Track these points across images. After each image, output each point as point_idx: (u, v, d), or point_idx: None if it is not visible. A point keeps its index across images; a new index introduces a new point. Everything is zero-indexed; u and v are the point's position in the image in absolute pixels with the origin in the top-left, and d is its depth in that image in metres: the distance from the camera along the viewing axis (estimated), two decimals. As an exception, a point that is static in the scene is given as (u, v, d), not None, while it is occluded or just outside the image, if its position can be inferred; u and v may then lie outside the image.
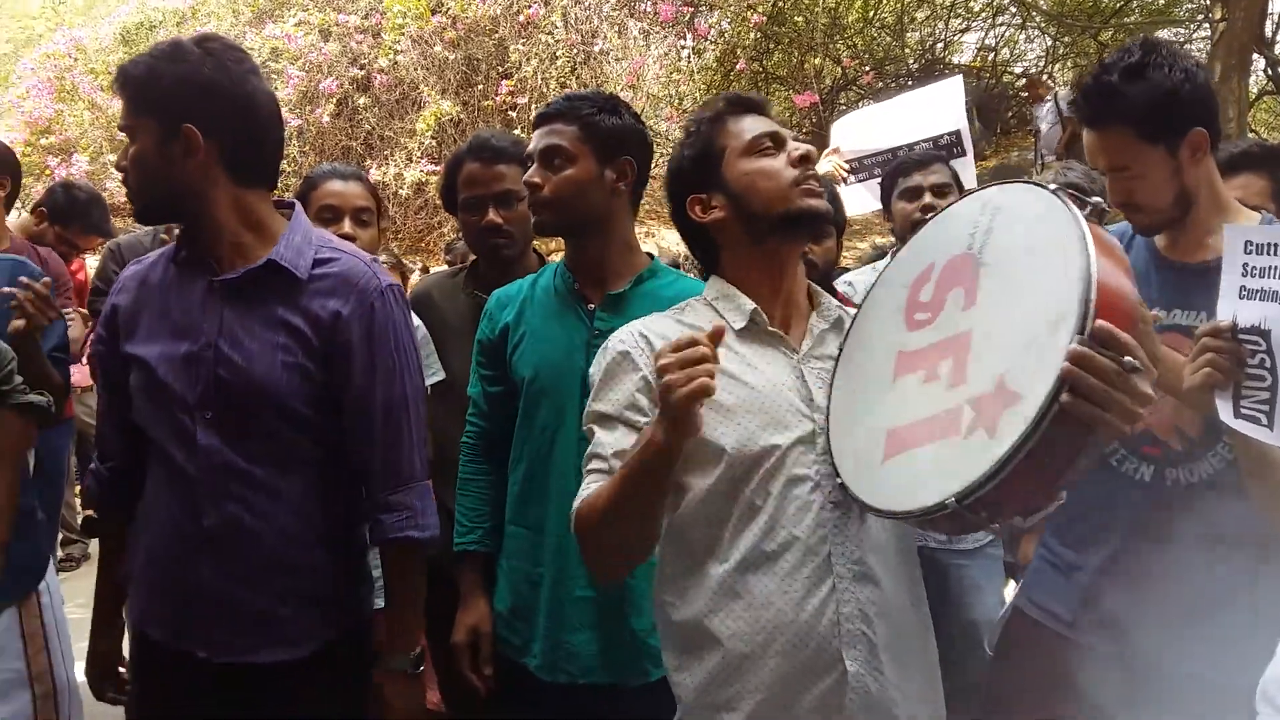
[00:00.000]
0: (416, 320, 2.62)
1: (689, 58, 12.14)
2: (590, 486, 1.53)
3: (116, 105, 9.61)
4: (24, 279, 2.34)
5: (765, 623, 1.49)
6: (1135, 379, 1.18)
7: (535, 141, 2.06)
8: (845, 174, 4.21)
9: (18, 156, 10.48)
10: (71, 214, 4.01)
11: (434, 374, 2.57)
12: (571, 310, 2.10)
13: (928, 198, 3.24)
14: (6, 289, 2.35)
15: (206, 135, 1.69)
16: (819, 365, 1.62)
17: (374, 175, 10.69)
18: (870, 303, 1.62)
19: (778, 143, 1.66)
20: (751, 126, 1.67)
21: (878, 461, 1.42)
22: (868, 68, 13.10)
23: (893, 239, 3.39)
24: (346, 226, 2.50)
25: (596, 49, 11.40)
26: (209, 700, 1.78)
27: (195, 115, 1.69)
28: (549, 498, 2.02)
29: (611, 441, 1.55)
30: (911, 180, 3.32)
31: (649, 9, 11.70)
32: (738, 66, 12.50)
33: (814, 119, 12.76)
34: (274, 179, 1.86)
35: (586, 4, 11.40)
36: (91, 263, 5.59)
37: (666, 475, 1.41)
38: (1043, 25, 13.85)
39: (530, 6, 10.62)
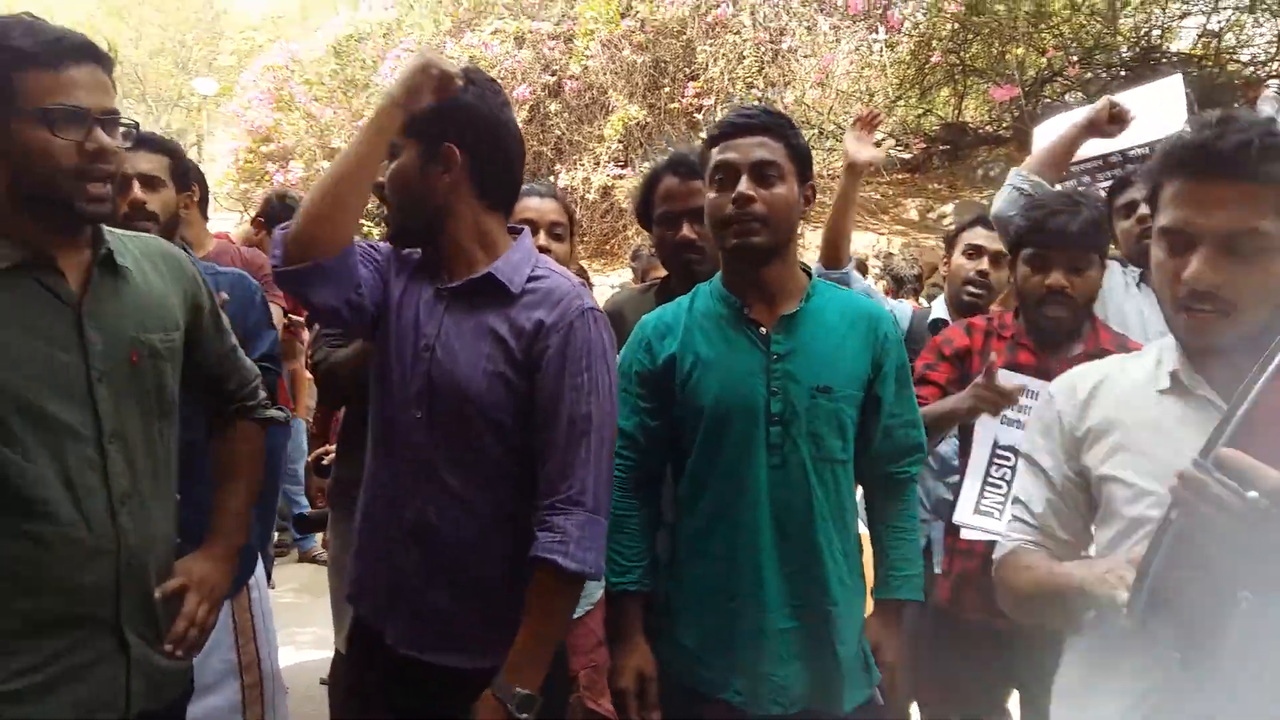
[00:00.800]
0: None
1: (881, 51, 11.75)
2: (1015, 538, 1.66)
3: (329, 114, 10.22)
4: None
5: None
6: None
7: (738, 153, 1.96)
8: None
9: (240, 162, 11.21)
10: (285, 221, 4.23)
11: None
12: (744, 335, 2.02)
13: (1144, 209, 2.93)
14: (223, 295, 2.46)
15: (463, 154, 1.80)
16: None
17: (562, 180, 10.91)
18: None
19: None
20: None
21: None
22: (1075, 58, 12.29)
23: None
24: (541, 239, 2.51)
25: (785, 46, 11.22)
26: (392, 687, 1.85)
27: (455, 135, 1.79)
28: (740, 528, 1.95)
29: (1038, 496, 1.63)
30: (1127, 195, 3.01)
31: (839, 2, 11.42)
32: (932, 59, 12.00)
33: (1014, 113, 12.10)
34: (512, 204, 1.96)
35: (774, 1, 11.22)
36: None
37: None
38: (1274, 7, 12.62)
39: (718, 6, 10.55)
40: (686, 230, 2.49)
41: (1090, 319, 2.52)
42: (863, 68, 12.05)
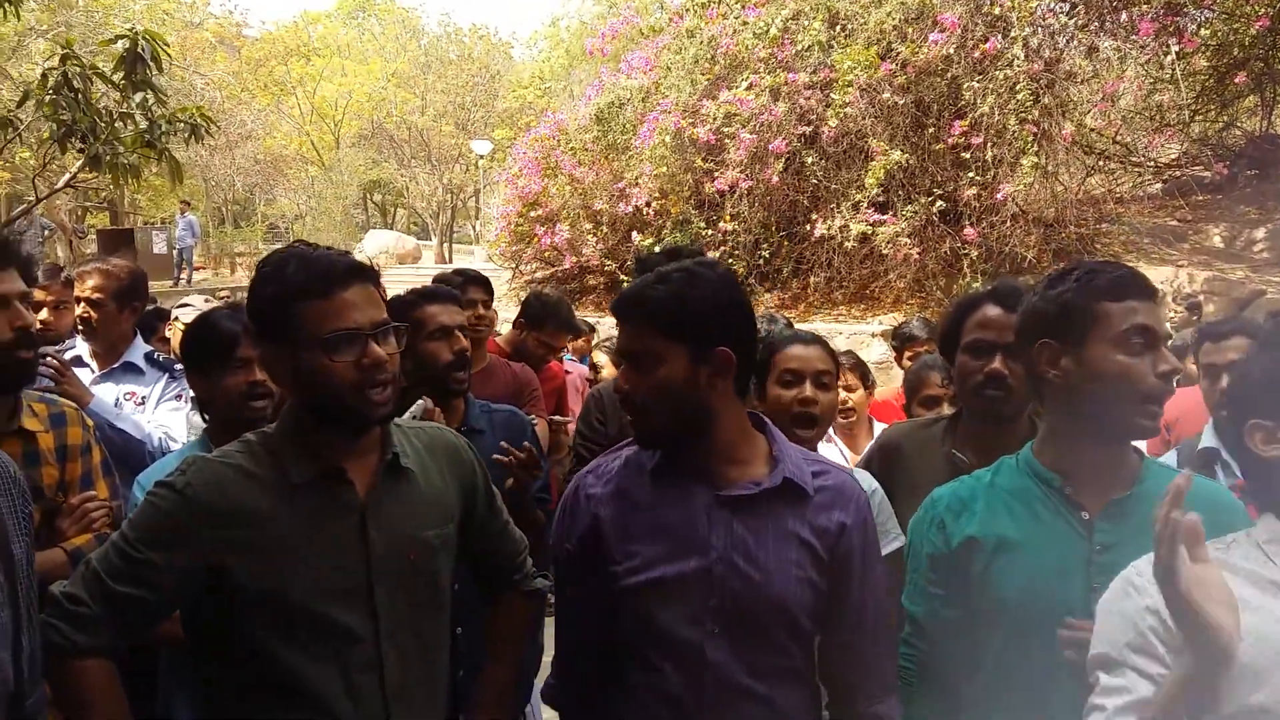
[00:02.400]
0: (873, 483, 2.39)
1: (1172, 65, 10.69)
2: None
3: (591, 177, 10.61)
4: (505, 444, 2.55)
5: None
6: None
7: (1155, 321, 1.70)
8: None
9: (512, 225, 11.83)
10: (544, 317, 4.35)
11: (893, 540, 2.30)
12: (1062, 519, 1.74)
13: None
14: (502, 446, 2.53)
15: (735, 356, 1.72)
16: None
17: (819, 229, 10.69)
18: None
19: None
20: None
21: None
22: None
23: None
24: (807, 390, 2.35)
25: (1061, 74, 10.45)
26: None
27: (727, 337, 1.71)
28: None
29: (1128, 686, 1.34)
30: None
31: (1126, 21, 10.50)
32: (1237, 79, 10.78)
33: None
34: (748, 389, 1.89)
35: (1050, 29, 10.49)
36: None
37: None
38: None
39: (986, 41, 9.98)
40: (999, 364, 2.24)
41: None
42: (1153, 84, 11.03)
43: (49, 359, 2.94)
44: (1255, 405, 1.42)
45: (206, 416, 2.48)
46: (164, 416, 3.22)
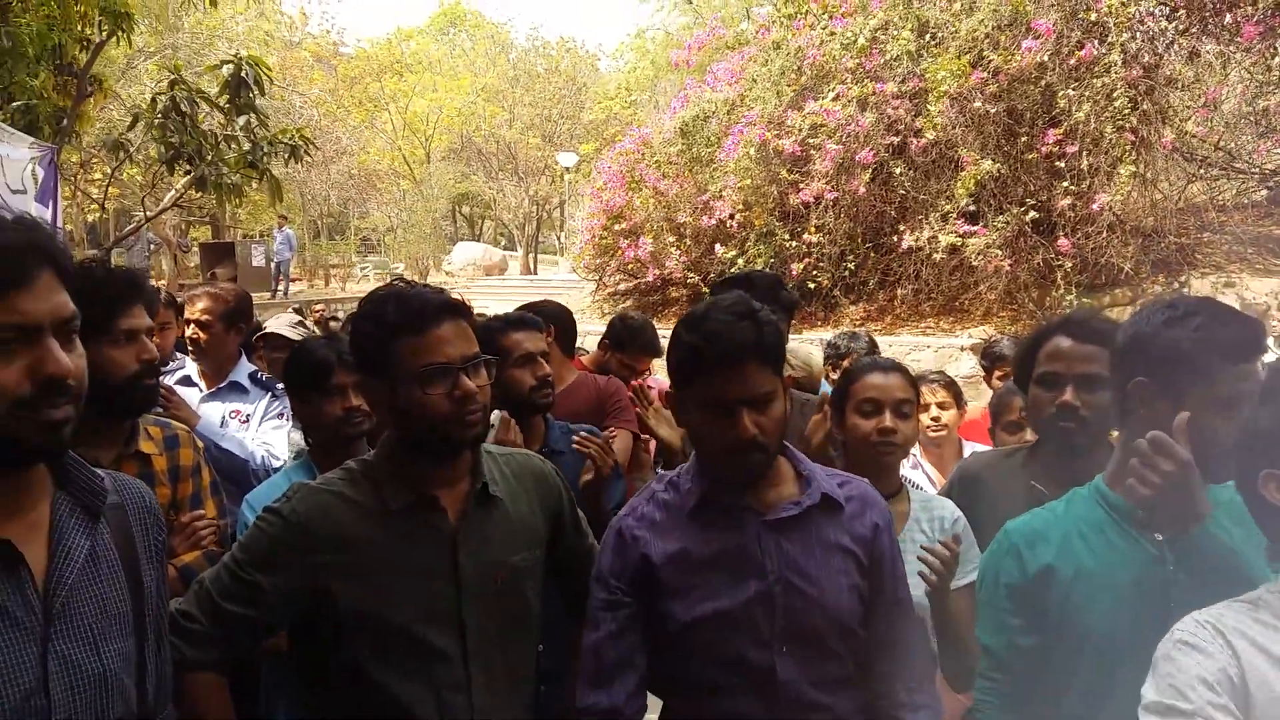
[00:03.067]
0: (958, 511, 2.36)
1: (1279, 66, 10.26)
2: None
3: (675, 189, 10.65)
4: (581, 434, 2.65)
5: None
6: None
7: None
8: None
9: (596, 238, 11.98)
10: (627, 340, 4.40)
11: (974, 570, 2.27)
12: (1135, 544, 1.74)
13: None
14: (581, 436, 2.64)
15: None
16: None
17: (906, 240, 10.54)
18: None
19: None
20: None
21: None
22: None
23: None
24: (887, 420, 2.33)
25: (1160, 80, 10.12)
26: None
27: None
28: None
29: None
30: None
31: (1229, 24, 10.12)
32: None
33: None
34: None
35: (1150, 33, 10.18)
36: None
37: None
38: None
39: (1082, 47, 9.73)
40: (1070, 396, 2.22)
41: None
42: (1258, 90, 10.59)
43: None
44: (1265, 455, 1.40)
45: (309, 440, 2.59)
46: (267, 434, 3.35)
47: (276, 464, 3.21)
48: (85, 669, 1.29)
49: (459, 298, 1.88)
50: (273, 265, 23.33)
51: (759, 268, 10.86)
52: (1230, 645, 1.37)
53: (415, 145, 34.28)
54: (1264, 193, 12.27)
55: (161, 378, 3.40)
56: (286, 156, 8.15)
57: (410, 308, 1.75)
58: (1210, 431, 1.64)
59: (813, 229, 11.19)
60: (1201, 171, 11.56)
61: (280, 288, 22.94)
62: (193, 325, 3.46)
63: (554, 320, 3.70)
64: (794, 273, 11.06)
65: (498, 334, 2.78)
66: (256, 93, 7.66)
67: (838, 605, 1.76)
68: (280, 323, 4.55)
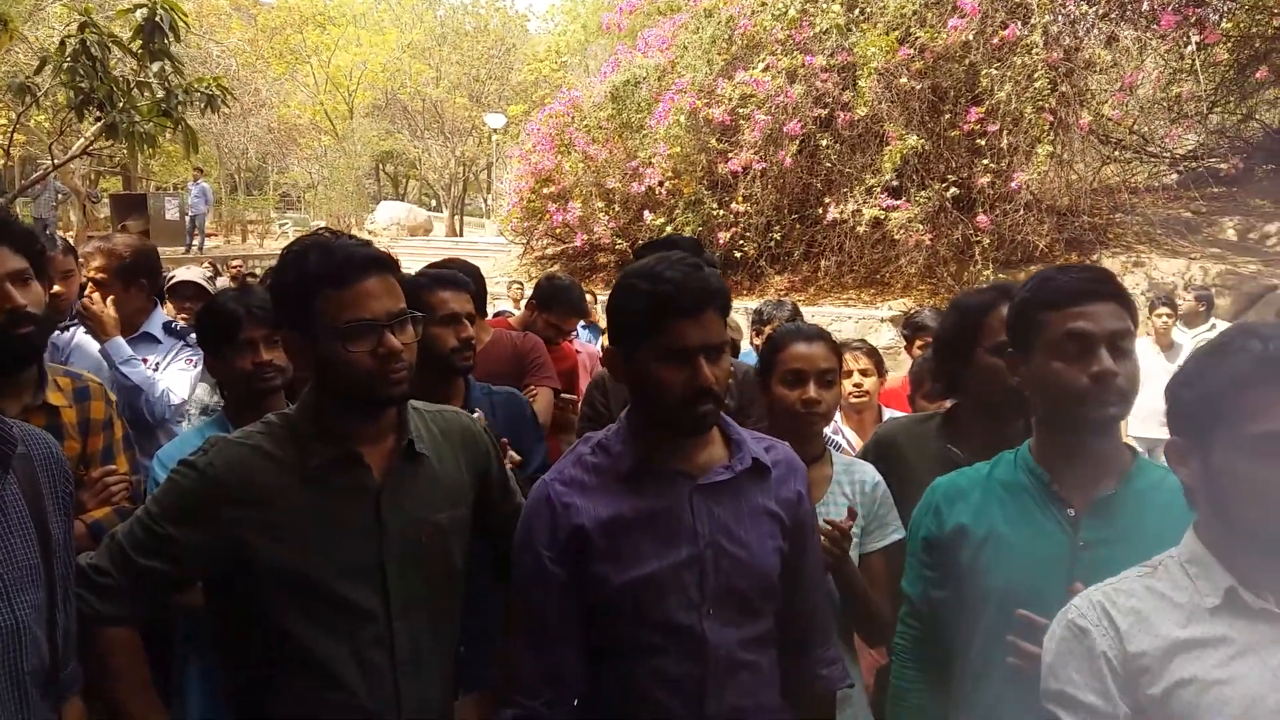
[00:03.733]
0: (877, 475, 2.42)
1: (1193, 56, 10.62)
2: None
3: (605, 155, 10.58)
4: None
5: None
6: None
7: (1093, 323, 1.76)
8: None
9: (524, 201, 11.81)
10: (554, 300, 4.40)
11: (893, 532, 2.35)
12: (1048, 514, 1.81)
13: None
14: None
15: None
16: None
17: (831, 213, 10.68)
18: None
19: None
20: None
21: None
22: None
23: None
24: (811, 390, 2.36)
25: (1080, 63, 10.39)
26: None
27: None
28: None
29: None
30: None
31: (1147, 11, 10.42)
32: (1259, 72, 10.69)
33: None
34: None
35: (1071, 16, 10.42)
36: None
37: None
38: None
39: (1006, 27, 9.92)
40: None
41: None
42: (1173, 74, 10.95)
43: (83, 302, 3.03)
44: (1174, 424, 1.50)
45: (223, 394, 2.53)
46: (169, 375, 3.26)
47: (174, 400, 3.16)
48: None
49: (386, 251, 1.82)
50: (187, 219, 22.56)
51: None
52: (1115, 625, 1.43)
53: (338, 100, 33.43)
54: (1174, 176, 12.73)
55: (67, 328, 3.31)
56: (203, 106, 7.85)
57: (333, 259, 1.69)
58: (1054, 373, 1.76)
59: (740, 199, 11.25)
60: (1116, 154, 11.95)
61: (195, 242, 22.22)
62: (89, 284, 3.32)
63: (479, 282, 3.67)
64: (721, 241, 11.12)
65: (424, 290, 2.73)
66: (171, 38, 7.34)
67: (764, 567, 1.79)
68: (191, 272, 4.42)
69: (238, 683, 1.82)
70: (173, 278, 4.47)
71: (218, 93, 7.96)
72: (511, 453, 2.61)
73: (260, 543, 1.69)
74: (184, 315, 4.08)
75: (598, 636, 1.80)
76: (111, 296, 3.22)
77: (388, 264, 1.76)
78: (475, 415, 2.56)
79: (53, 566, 1.38)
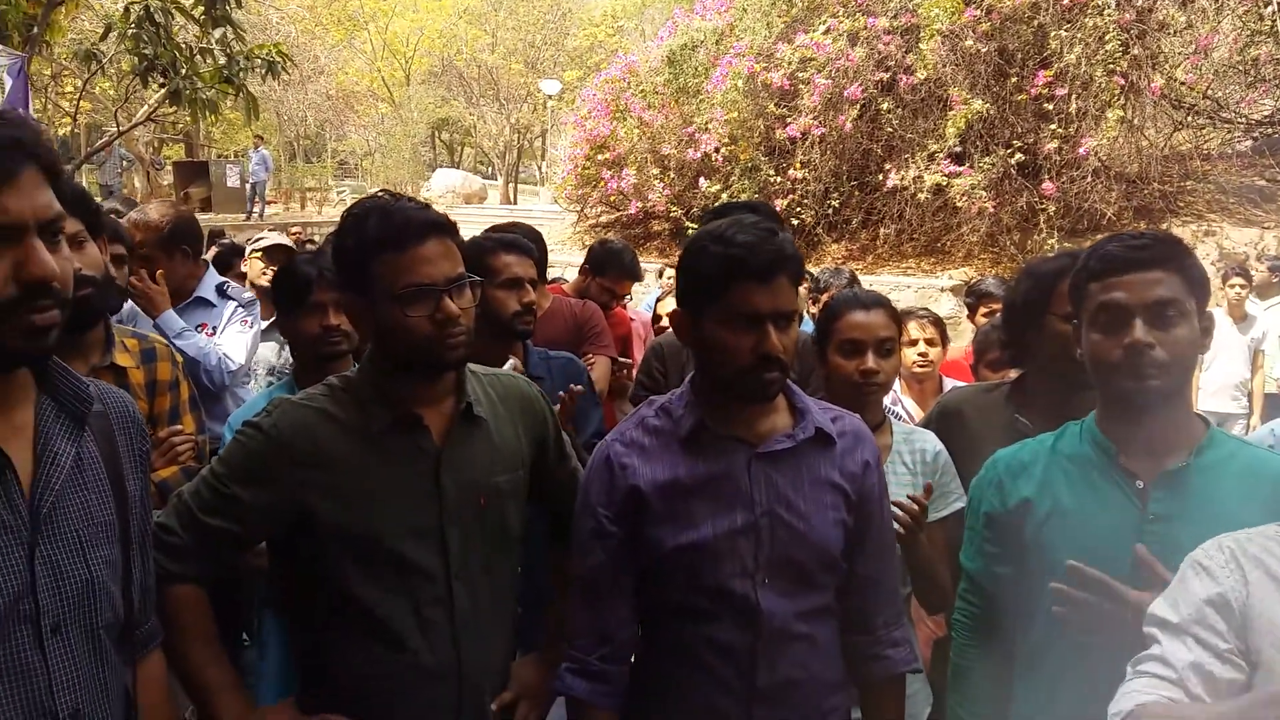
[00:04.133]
0: (939, 443, 2.37)
1: (1272, 17, 10.20)
2: (1151, 694, 1.35)
3: (661, 120, 10.48)
4: (564, 394, 2.59)
5: None
6: None
7: (1130, 292, 1.70)
8: None
9: (579, 168, 11.77)
10: (607, 264, 4.38)
11: (955, 500, 2.31)
12: (1116, 486, 1.75)
13: None
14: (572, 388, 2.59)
15: None
16: None
17: (891, 179, 10.49)
18: None
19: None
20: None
21: None
22: None
23: None
24: (869, 361, 2.30)
25: (1153, 25, 10.03)
26: None
27: None
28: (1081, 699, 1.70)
29: (1182, 653, 1.36)
30: None
31: (1223, -32, 10.02)
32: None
33: None
34: None
35: (1144, -24, 10.06)
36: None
37: None
38: None
39: (1077, -12, 9.61)
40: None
41: None
42: (1249, 39, 10.52)
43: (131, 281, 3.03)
44: None
45: (295, 355, 2.57)
46: (226, 339, 3.30)
47: (232, 366, 3.20)
48: (72, 575, 1.28)
49: (445, 214, 1.80)
50: (248, 186, 22.90)
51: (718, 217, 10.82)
52: (1242, 571, 1.38)
53: (395, 67, 33.55)
54: (1249, 143, 12.26)
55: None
56: (264, 73, 7.96)
57: (392, 223, 1.69)
58: (1093, 345, 1.74)
59: (798, 165, 11.10)
60: (1188, 119, 11.52)
61: (255, 209, 22.56)
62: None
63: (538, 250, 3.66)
64: (778, 209, 10.99)
65: (487, 253, 2.73)
66: (233, 4, 7.44)
67: (824, 540, 1.76)
68: (281, 236, 4.47)
69: (303, 644, 1.86)
70: (260, 239, 4.52)
71: (278, 59, 8.04)
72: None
73: (323, 504, 1.71)
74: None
75: (649, 600, 1.81)
76: (159, 270, 3.25)
77: (447, 227, 1.75)
78: (590, 360, 2.57)
79: (129, 523, 1.40)
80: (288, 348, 3.38)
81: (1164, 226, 10.24)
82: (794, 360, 1.75)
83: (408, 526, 1.75)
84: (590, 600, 1.80)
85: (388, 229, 1.69)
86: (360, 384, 1.80)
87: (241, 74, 7.72)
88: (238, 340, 3.32)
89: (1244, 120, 12.01)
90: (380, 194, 1.79)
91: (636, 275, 4.69)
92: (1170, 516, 1.68)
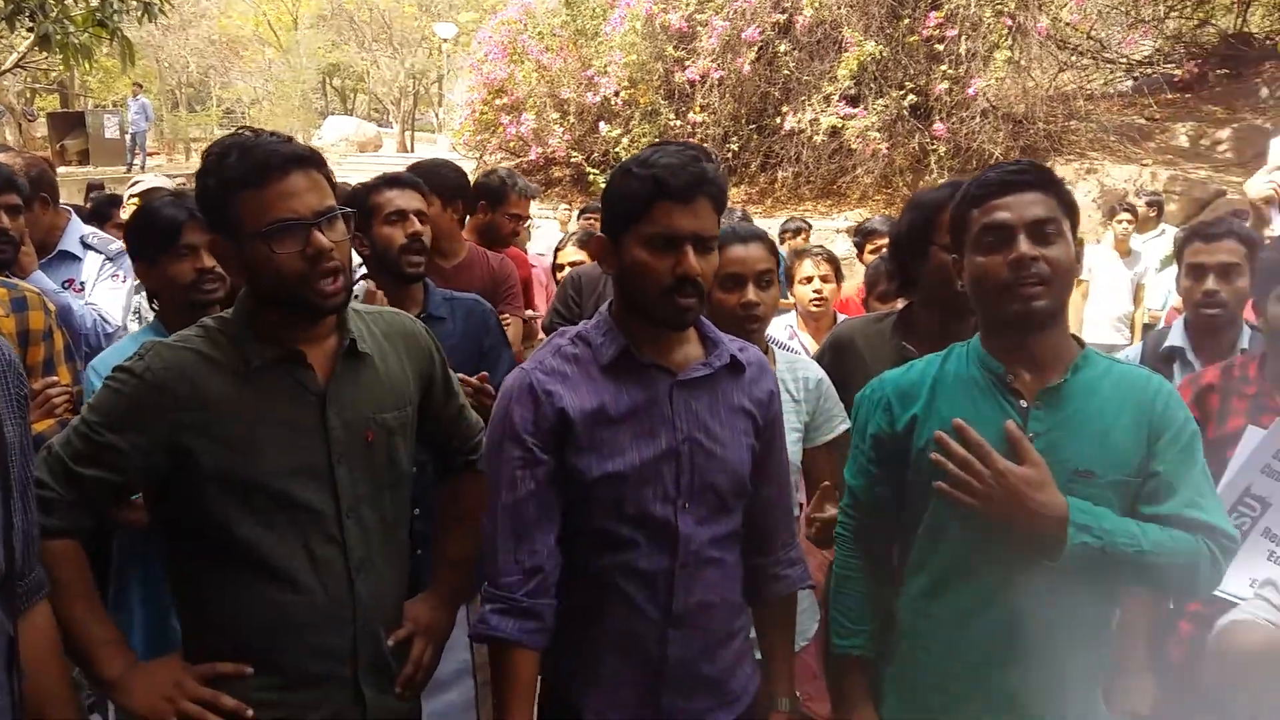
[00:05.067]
0: (820, 371, 2.44)
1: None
2: (1252, 614, 1.48)
3: (559, 64, 10.33)
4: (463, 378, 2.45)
5: None
6: None
7: (1012, 211, 1.77)
8: None
9: (476, 114, 11.49)
10: (503, 192, 4.24)
11: (840, 423, 2.41)
12: (999, 405, 1.81)
13: None
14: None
15: None
16: None
17: (788, 123, 10.58)
18: None
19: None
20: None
21: None
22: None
23: None
24: (750, 293, 2.33)
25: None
26: None
27: None
28: (971, 630, 1.81)
29: None
30: None
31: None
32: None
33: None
34: None
35: (1030, -83, 10.27)
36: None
37: None
38: None
39: (965, -72, 9.75)
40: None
41: None
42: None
43: None
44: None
45: (155, 306, 2.44)
46: (99, 296, 3.13)
47: (109, 328, 3.03)
48: None
49: (310, 147, 1.74)
50: (127, 137, 21.83)
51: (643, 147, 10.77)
52: None
53: (281, 10, 32.23)
54: (1129, 83, 12.73)
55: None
56: (139, 15, 7.56)
57: (253, 159, 1.62)
58: (978, 267, 1.80)
59: (698, 108, 11.09)
60: (1073, 60, 11.89)
61: (136, 161, 21.53)
62: None
63: (453, 190, 3.54)
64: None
65: (370, 193, 2.66)
66: (102, -59, 7.02)
67: (739, 465, 1.82)
68: (158, 179, 4.26)
69: (187, 595, 1.80)
70: (137, 183, 4.29)
71: (155, 0, 7.64)
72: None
73: (203, 446, 1.65)
74: None
75: (568, 530, 1.80)
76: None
77: (312, 159, 1.69)
78: (505, 319, 2.49)
79: (8, 470, 1.34)
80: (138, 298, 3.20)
81: (1049, 165, 10.58)
82: (711, 288, 1.77)
83: (295, 466, 1.71)
84: (517, 533, 1.75)
85: (248, 165, 1.62)
86: (237, 324, 1.74)
87: (116, 16, 7.32)
88: (113, 296, 3.15)
89: (1125, 60, 12.45)
90: (241, 130, 1.72)
91: (532, 192, 4.62)
92: (1049, 431, 1.75)
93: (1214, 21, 13.07)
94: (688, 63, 10.96)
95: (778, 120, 10.93)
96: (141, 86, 22.99)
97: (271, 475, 1.69)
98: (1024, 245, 1.72)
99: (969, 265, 1.82)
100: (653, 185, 1.66)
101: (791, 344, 3.66)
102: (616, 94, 11.55)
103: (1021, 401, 1.79)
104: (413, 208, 2.72)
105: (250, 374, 1.70)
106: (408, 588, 1.98)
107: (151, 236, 2.35)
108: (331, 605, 1.74)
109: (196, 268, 2.33)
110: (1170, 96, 12.15)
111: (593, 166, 11.97)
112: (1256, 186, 3.30)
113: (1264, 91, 11.92)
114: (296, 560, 1.71)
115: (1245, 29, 12.83)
